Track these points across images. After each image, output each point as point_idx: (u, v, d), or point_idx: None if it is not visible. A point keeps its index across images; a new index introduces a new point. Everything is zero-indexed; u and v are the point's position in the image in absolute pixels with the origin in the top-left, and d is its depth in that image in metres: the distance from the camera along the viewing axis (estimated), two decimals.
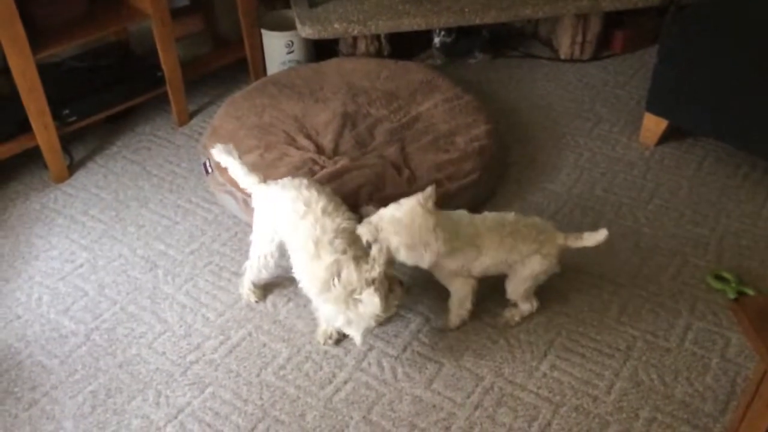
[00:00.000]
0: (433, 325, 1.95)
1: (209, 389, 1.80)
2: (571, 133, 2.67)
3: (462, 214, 1.84)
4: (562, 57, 3.11)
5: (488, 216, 1.84)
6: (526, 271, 1.83)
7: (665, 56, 2.38)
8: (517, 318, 1.94)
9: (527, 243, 1.80)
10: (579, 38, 3.05)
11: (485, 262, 1.80)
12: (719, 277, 2.03)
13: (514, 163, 2.53)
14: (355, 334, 1.68)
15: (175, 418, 1.74)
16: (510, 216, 1.83)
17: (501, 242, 1.78)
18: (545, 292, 2.02)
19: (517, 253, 1.80)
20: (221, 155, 1.92)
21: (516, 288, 1.88)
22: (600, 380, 1.79)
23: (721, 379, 1.78)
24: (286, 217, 1.81)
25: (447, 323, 1.93)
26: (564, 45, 3.09)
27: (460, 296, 1.87)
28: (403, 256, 1.68)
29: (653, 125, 2.54)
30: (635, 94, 2.86)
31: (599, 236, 1.81)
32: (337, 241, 1.71)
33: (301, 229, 1.76)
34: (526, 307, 1.93)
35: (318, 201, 1.79)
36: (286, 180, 1.90)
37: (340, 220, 1.77)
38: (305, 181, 1.87)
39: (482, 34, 3.12)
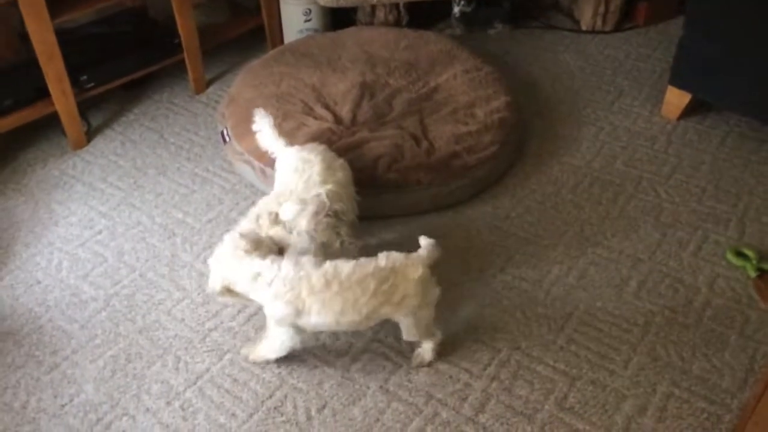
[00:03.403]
0: (448, 296, 1.94)
1: (228, 356, 1.82)
2: (592, 106, 2.64)
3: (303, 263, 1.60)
4: (584, 28, 3.06)
5: (325, 270, 1.58)
6: (400, 321, 1.67)
7: (691, 28, 2.34)
8: (429, 355, 1.75)
9: (364, 301, 1.57)
10: (601, 9, 3.00)
11: (311, 322, 1.61)
12: (740, 254, 2.01)
13: (534, 136, 2.51)
14: None
15: (194, 383, 1.76)
16: (346, 269, 1.58)
17: (325, 304, 1.57)
18: (563, 266, 2.02)
19: (354, 313, 1.58)
20: (261, 120, 2.01)
21: (407, 332, 1.71)
22: (617, 354, 1.79)
23: (739, 355, 1.77)
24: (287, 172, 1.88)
25: (251, 353, 1.78)
26: (586, 16, 3.04)
27: (275, 346, 1.71)
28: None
29: (676, 99, 2.50)
30: (658, 66, 2.81)
31: (425, 243, 1.66)
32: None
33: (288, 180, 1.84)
34: (429, 346, 1.75)
35: (314, 167, 1.85)
36: (310, 145, 1.96)
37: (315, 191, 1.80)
38: (321, 148, 1.94)
39: (502, 5, 3.07)
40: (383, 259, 1.61)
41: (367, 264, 1.60)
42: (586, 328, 1.85)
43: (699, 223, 2.14)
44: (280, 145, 1.98)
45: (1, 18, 2.51)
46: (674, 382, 1.72)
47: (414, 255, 1.64)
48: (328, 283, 1.57)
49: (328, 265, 1.60)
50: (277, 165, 1.97)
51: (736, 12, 2.20)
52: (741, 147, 2.41)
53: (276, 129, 2.02)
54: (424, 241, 1.68)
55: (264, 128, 2.01)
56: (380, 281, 1.58)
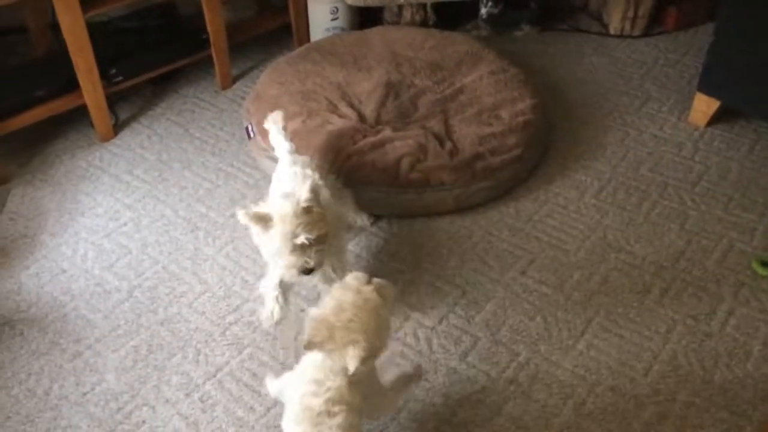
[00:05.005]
0: (469, 298, 1.94)
1: (247, 350, 1.83)
2: (618, 110, 2.62)
3: None
4: (612, 32, 3.04)
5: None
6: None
7: (721, 34, 2.31)
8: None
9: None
10: (630, 13, 2.97)
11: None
12: (765, 264, 1.98)
13: (559, 139, 2.49)
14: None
15: (214, 376, 1.78)
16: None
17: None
18: (584, 270, 2.00)
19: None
20: (273, 122, 1.94)
21: None
22: (638, 362, 1.77)
23: (762, 366, 1.75)
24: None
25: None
26: (614, 20, 3.01)
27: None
28: None
29: (704, 106, 2.47)
30: (686, 72, 2.78)
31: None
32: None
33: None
34: None
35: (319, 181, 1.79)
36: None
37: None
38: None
39: (530, 6, 3.05)
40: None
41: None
42: (607, 333, 1.84)
43: (725, 231, 2.11)
44: (287, 148, 1.89)
45: (34, 10, 2.56)
46: (695, 391, 1.70)
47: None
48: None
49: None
50: (283, 167, 1.88)
51: (767, 19, 2.18)
52: None
53: (285, 132, 1.94)
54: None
55: (274, 128, 1.93)
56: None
